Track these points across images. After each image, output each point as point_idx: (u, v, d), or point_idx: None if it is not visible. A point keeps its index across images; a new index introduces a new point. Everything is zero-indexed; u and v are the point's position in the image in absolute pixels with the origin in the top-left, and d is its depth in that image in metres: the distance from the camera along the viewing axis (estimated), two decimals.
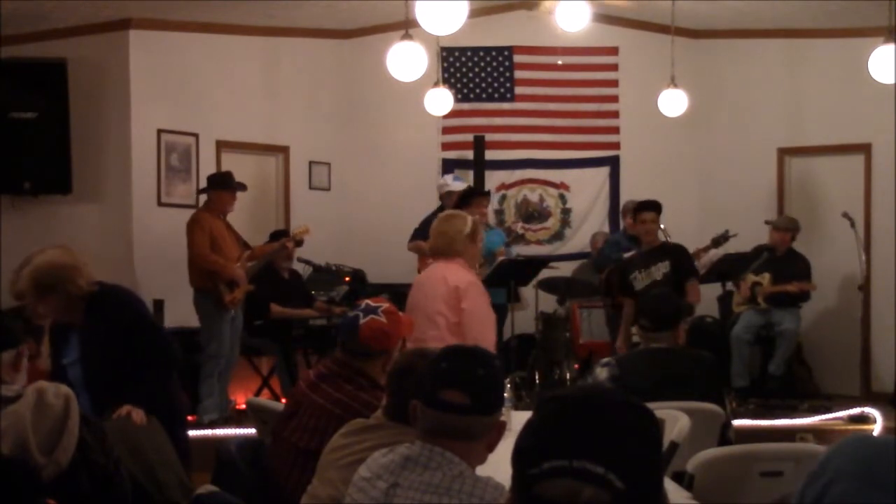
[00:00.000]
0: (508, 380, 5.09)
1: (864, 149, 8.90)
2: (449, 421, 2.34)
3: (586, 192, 9.84)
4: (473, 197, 7.62)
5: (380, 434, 2.86)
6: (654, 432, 1.34)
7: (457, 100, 8.69)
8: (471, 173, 9.33)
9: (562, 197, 9.89)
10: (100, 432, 2.99)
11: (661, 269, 7.04)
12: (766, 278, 8.15)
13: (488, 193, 8.46)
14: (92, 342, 4.22)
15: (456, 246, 5.00)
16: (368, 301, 3.68)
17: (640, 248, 7.43)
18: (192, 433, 6.56)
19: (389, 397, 2.95)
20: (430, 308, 4.94)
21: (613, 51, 9.77)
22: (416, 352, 3.07)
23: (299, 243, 8.04)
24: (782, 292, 8.08)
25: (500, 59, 9.78)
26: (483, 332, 4.96)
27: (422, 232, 8.27)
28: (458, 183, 8.41)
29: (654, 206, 7.22)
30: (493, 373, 2.42)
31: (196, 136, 8.57)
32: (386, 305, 3.62)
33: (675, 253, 7.19)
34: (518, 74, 9.81)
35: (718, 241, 8.17)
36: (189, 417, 7.26)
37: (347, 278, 8.80)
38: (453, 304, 4.92)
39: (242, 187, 7.66)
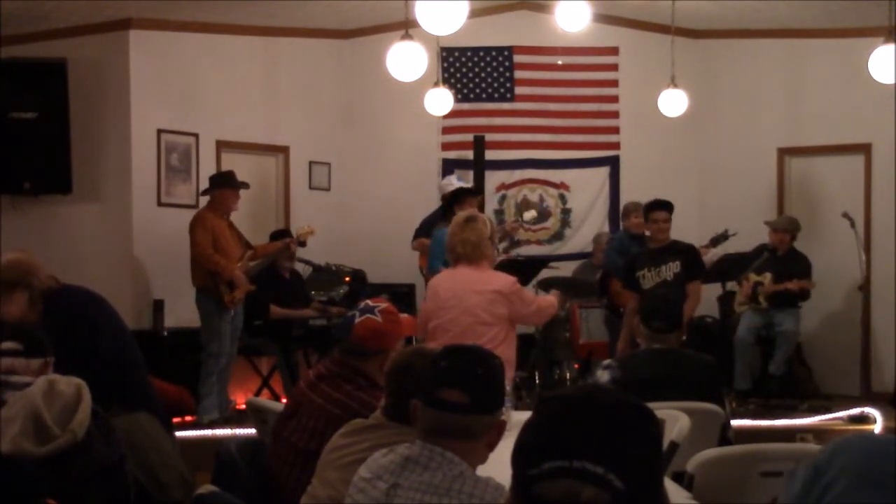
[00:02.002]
0: (508, 379, 5.17)
1: (864, 149, 8.90)
2: (449, 420, 2.34)
3: (586, 192, 9.83)
4: (465, 196, 7.61)
5: (379, 434, 2.86)
6: (655, 432, 1.34)
7: (457, 100, 8.69)
8: (471, 173, 9.32)
9: (562, 197, 9.88)
10: (107, 427, 3.01)
11: (671, 269, 6.94)
12: (767, 278, 8.14)
13: (478, 192, 8.36)
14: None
15: (481, 250, 5.05)
16: (368, 301, 3.69)
17: (645, 245, 7.40)
18: (192, 433, 6.62)
19: (388, 397, 2.95)
20: (473, 319, 4.99)
21: (613, 51, 9.76)
22: (414, 350, 3.06)
23: (302, 244, 8.04)
24: (783, 291, 8.06)
25: (500, 59, 9.78)
26: (540, 307, 5.31)
27: (423, 232, 8.29)
28: (461, 183, 8.41)
29: (666, 206, 7.15)
30: (493, 372, 2.42)
31: (196, 136, 8.57)
32: (384, 305, 3.63)
33: (687, 253, 7.11)
34: (518, 74, 9.80)
35: (717, 241, 8.16)
36: (188, 417, 7.30)
37: (347, 278, 8.80)
38: (501, 309, 5.01)
39: (245, 186, 7.68)
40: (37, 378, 3.05)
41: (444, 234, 7.48)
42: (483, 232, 5.07)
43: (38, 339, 3.34)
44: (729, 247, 8.39)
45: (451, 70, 9.66)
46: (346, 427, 3.02)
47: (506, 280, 5.12)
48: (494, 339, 4.92)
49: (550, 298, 5.53)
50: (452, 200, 7.57)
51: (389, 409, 2.92)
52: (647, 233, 7.39)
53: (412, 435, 2.44)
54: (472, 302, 4.96)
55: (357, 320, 3.55)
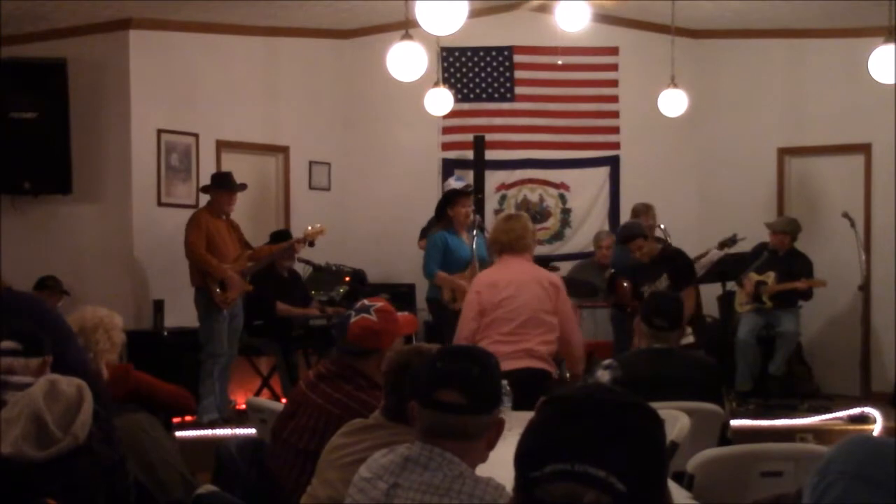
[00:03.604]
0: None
1: (864, 149, 8.90)
2: (446, 421, 2.33)
3: (586, 192, 9.83)
4: (457, 198, 7.62)
5: (378, 434, 2.86)
6: (657, 433, 1.33)
7: (457, 100, 8.68)
8: (471, 173, 9.32)
9: (562, 197, 9.88)
10: (108, 427, 3.01)
11: (663, 282, 7.11)
12: (771, 277, 8.13)
13: (472, 192, 8.34)
14: None
15: (525, 241, 5.27)
16: (365, 300, 3.69)
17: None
18: (192, 433, 6.63)
19: (387, 397, 2.95)
20: (539, 306, 5.13)
21: (613, 51, 9.76)
22: (411, 349, 3.07)
23: (311, 244, 8.03)
24: (791, 290, 8.05)
25: (500, 59, 9.78)
26: (576, 328, 5.41)
27: (426, 233, 8.28)
28: (460, 183, 8.39)
29: (638, 233, 7.31)
30: (489, 372, 2.41)
31: (196, 136, 8.57)
32: (380, 304, 3.62)
33: (673, 263, 7.23)
34: (518, 74, 9.80)
35: (725, 245, 8.15)
36: (188, 417, 7.29)
37: (347, 278, 8.80)
38: (552, 303, 5.19)
39: (242, 188, 7.68)
40: (36, 378, 3.04)
41: (439, 237, 7.51)
42: (527, 225, 5.34)
43: (37, 338, 3.33)
44: None
45: (451, 70, 9.66)
46: (346, 427, 3.02)
47: (556, 276, 5.46)
48: (555, 327, 5.15)
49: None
50: (447, 201, 7.57)
51: (389, 409, 2.92)
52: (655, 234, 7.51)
53: (412, 435, 2.44)
54: (535, 291, 5.15)
55: (352, 320, 3.56)
